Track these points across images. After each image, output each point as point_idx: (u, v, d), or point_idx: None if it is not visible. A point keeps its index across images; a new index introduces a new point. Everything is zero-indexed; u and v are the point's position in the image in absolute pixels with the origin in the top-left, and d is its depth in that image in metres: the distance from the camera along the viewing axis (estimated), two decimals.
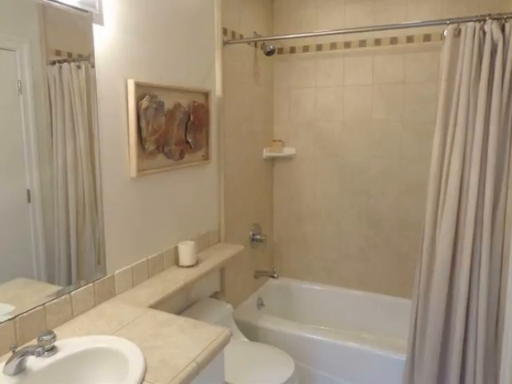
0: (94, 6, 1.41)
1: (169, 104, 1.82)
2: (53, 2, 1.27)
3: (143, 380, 1.05)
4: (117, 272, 1.61)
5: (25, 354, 1.03)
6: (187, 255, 1.89)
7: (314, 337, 2.22)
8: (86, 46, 1.41)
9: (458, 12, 2.32)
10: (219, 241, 2.33)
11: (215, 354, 1.23)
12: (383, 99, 2.58)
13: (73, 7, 1.34)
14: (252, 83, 2.61)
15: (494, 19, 1.68)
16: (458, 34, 1.76)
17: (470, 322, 1.80)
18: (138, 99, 1.64)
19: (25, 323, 1.24)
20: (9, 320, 1.19)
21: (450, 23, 1.77)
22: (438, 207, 1.84)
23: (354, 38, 2.60)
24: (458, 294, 1.81)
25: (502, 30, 1.67)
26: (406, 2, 2.44)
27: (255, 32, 2.60)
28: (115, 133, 1.57)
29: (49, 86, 1.29)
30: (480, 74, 1.72)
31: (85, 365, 1.16)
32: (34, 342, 1.22)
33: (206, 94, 2.09)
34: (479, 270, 1.77)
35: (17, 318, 1.21)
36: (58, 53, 1.31)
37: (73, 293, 1.40)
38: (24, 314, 1.24)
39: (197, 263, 1.94)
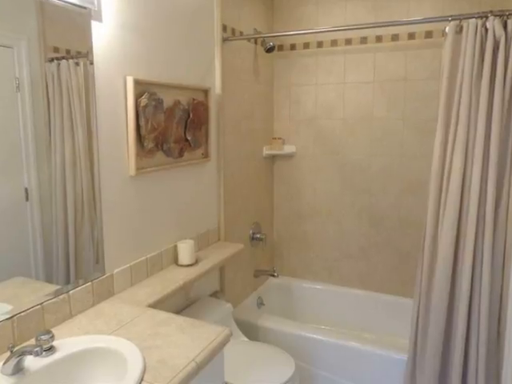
0: (92, 3, 1.40)
1: (168, 101, 1.81)
2: None
3: (142, 380, 1.04)
4: (115, 271, 1.60)
5: (23, 353, 1.02)
6: (186, 254, 1.88)
7: (314, 336, 2.21)
8: (85, 42, 1.40)
9: (459, 8, 2.30)
10: (219, 239, 2.32)
11: (215, 354, 1.22)
12: (384, 96, 2.57)
13: (71, 4, 1.32)
14: (252, 80, 2.60)
15: (496, 16, 1.67)
16: (459, 30, 1.74)
17: (472, 320, 1.80)
18: (137, 96, 1.62)
19: (23, 323, 1.23)
20: (6, 319, 1.18)
21: (451, 20, 1.76)
22: (440, 205, 1.83)
23: (354, 34, 2.58)
24: (459, 293, 1.80)
25: (504, 26, 1.65)
26: None
27: (255, 29, 2.58)
28: (114, 130, 1.56)
29: (47, 83, 1.28)
30: (482, 71, 1.70)
31: (83, 365, 1.15)
32: (32, 341, 1.21)
33: (206, 92, 2.08)
34: (481, 267, 1.76)
35: (14, 318, 1.21)
36: (56, 50, 1.30)
37: (71, 292, 1.40)
38: (22, 314, 1.23)
39: (196, 262, 1.93)
